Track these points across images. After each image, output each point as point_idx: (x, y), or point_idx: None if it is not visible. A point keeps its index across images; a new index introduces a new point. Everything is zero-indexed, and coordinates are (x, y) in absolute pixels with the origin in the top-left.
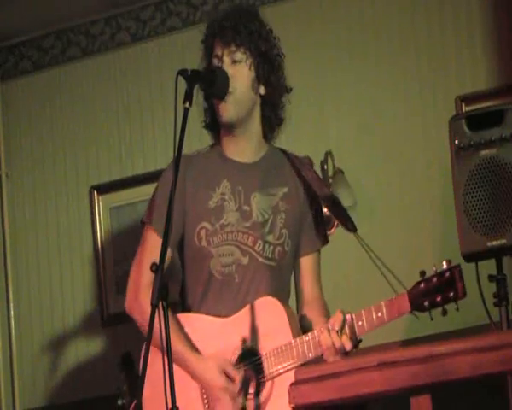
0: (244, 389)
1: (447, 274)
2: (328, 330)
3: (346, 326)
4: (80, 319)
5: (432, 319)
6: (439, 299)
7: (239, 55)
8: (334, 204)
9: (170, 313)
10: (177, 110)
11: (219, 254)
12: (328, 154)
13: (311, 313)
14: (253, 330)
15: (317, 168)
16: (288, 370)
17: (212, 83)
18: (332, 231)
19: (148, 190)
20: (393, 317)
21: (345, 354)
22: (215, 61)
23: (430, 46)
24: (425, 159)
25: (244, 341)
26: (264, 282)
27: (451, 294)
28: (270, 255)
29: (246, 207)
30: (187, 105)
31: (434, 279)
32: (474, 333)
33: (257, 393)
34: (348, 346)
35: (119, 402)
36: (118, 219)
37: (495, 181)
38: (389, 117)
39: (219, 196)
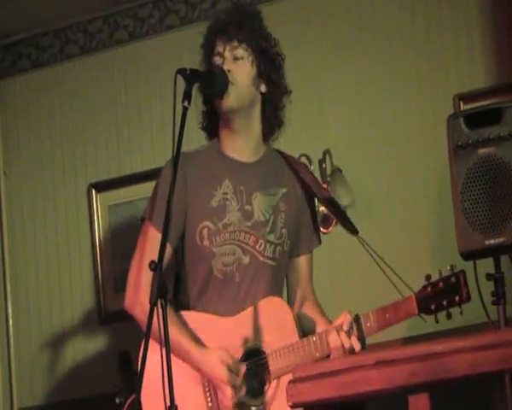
0: (247, 384)
1: (453, 279)
2: (337, 331)
3: (355, 327)
4: (78, 317)
5: (437, 322)
6: (445, 303)
7: (241, 52)
8: (334, 206)
9: (172, 310)
10: (175, 109)
11: (221, 254)
12: (327, 152)
13: (311, 311)
14: (259, 329)
15: (316, 167)
16: (292, 370)
17: (211, 83)
18: (330, 229)
19: (146, 188)
20: (401, 319)
21: (353, 353)
22: (216, 59)
23: (429, 45)
24: (423, 157)
25: (249, 339)
26: (264, 281)
27: (457, 298)
28: (271, 255)
29: (247, 207)
30: (186, 104)
31: (441, 284)
32: (472, 331)
33: (262, 391)
34: (358, 347)
35: (117, 400)
36: (116, 217)
37: (493, 179)
38: (388, 115)
39: (221, 195)
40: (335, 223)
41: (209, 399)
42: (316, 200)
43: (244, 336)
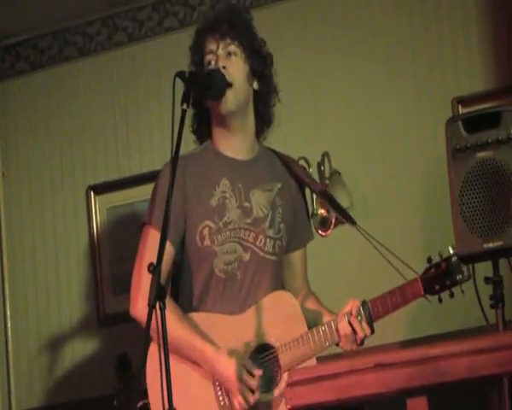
0: (264, 384)
1: (454, 259)
2: (347, 318)
3: (363, 313)
4: (77, 319)
5: (440, 301)
6: (448, 283)
7: (233, 48)
8: (330, 198)
9: (181, 311)
10: (174, 111)
11: (223, 253)
12: (325, 155)
13: (314, 305)
14: (267, 324)
15: (314, 169)
16: (304, 360)
17: (209, 85)
18: (329, 232)
19: (145, 190)
20: (408, 301)
21: (361, 341)
22: (209, 57)
23: (427, 48)
24: (422, 160)
25: (258, 335)
26: (266, 276)
27: (459, 277)
28: (271, 250)
29: (246, 204)
30: (184, 106)
31: (443, 264)
32: (470, 335)
33: (275, 386)
34: (368, 332)
35: (116, 402)
36: (115, 219)
37: (491, 183)
38: (386, 118)
39: (220, 194)
40: (334, 226)
41: (221, 398)
42: (308, 194)
43: (253, 333)
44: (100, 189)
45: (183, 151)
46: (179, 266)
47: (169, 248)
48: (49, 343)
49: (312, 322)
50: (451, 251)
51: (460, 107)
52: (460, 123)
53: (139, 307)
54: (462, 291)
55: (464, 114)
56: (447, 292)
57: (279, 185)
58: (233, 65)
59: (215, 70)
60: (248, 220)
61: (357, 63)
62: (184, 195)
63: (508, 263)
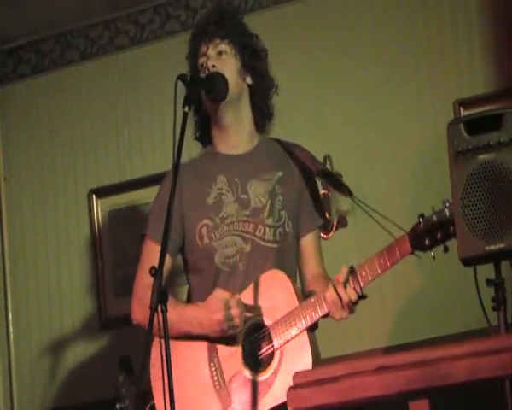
0: (250, 360)
1: (446, 211)
2: (333, 286)
3: (350, 278)
4: (79, 322)
5: (434, 258)
6: (439, 236)
7: (223, 47)
8: (329, 176)
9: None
10: (176, 114)
11: (222, 247)
12: (327, 157)
13: (317, 285)
14: (260, 303)
15: None
16: (296, 335)
17: (210, 88)
18: (330, 235)
19: (147, 193)
20: (395, 260)
21: (351, 308)
22: (201, 60)
23: (429, 50)
24: (423, 163)
25: (249, 316)
26: (268, 265)
27: (451, 228)
28: (271, 238)
29: (243, 196)
30: (186, 109)
31: (434, 217)
32: (472, 337)
33: (267, 365)
34: (353, 297)
35: (118, 406)
36: (116, 222)
37: (493, 185)
38: (387, 121)
39: (217, 191)
40: (335, 229)
41: (215, 378)
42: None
43: (246, 313)
44: (102, 192)
45: (186, 154)
46: (186, 270)
47: (167, 259)
48: (51, 346)
49: None
50: (446, 204)
51: (462, 109)
52: (462, 125)
53: (135, 314)
54: (447, 249)
55: (466, 116)
56: (441, 248)
57: (280, 174)
58: (222, 63)
59: (216, 73)
60: (247, 212)
61: (359, 66)
62: (180, 203)
63: (510, 265)
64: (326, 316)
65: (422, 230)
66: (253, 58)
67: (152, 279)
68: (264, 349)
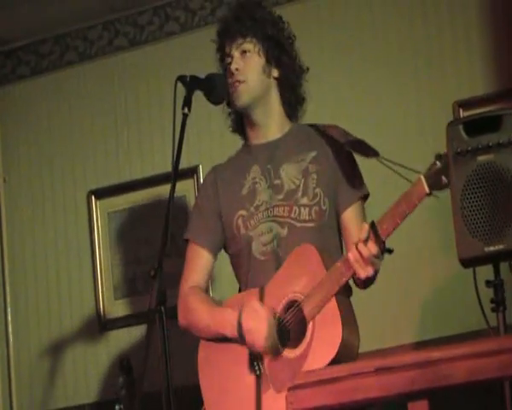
0: (285, 337)
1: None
2: (355, 244)
3: (371, 233)
4: (78, 324)
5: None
6: None
7: (246, 46)
8: (356, 144)
9: (204, 295)
10: (175, 116)
11: (258, 235)
12: None
13: None
14: (290, 281)
15: None
16: (324, 304)
17: (210, 89)
18: None
19: (146, 194)
20: (413, 205)
21: (374, 262)
22: (228, 60)
23: (428, 51)
24: (422, 164)
25: (283, 295)
26: None
27: None
28: (307, 217)
29: (277, 182)
30: (185, 111)
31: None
32: (472, 338)
33: (301, 339)
34: (374, 249)
35: (117, 408)
36: (116, 223)
37: (492, 186)
38: (387, 122)
39: (251, 181)
40: None
41: (254, 363)
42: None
43: (279, 295)
44: (101, 193)
45: (185, 155)
46: (232, 266)
47: (206, 257)
48: (50, 348)
49: None
50: None
51: (461, 110)
52: (461, 126)
53: (180, 319)
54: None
55: (465, 117)
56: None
57: (313, 154)
58: (246, 63)
59: (216, 74)
60: (280, 196)
61: (358, 67)
62: (217, 200)
63: (509, 266)
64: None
65: (439, 168)
66: (277, 51)
67: (195, 280)
68: (299, 324)
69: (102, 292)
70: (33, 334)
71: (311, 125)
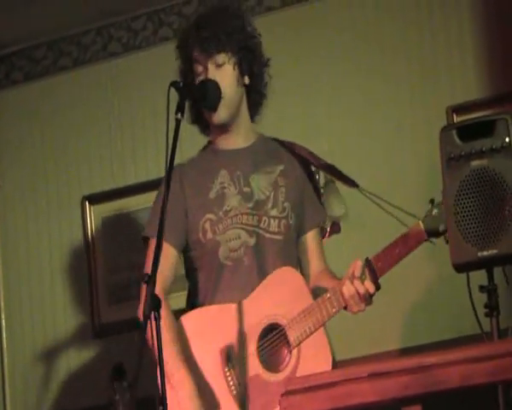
0: (268, 361)
1: None
2: (350, 280)
3: (366, 271)
4: (72, 329)
5: (447, 242)
6: None
7: (222, 59)
8: (332, 169)
9: (170, 320)
10: (169, 121)
11: (226, 240)
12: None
13: (324, 281)
14: (273, 302)
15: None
16: (313, 332)
17: (203, 95)
18: (323, 241)
19: (140, 199)
20: (411, 249)
21: (368, 299)
22: (199, 69)
23: (421, 57)
24: (416, 169)
25: (264, 316)
26: (273, 257)
27: None
28: (276, 229)
29: (246, 189)
30: (179, 116)
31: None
32: (466, 343)
33: (285, 364)
34: (372, 289)
35: None
36: (109, 229)
37: (486, 191)
38: (380, 127)
39: (219, 185)
40: (329, 235)
41: (231, 383)
42: (316, 175)
43: (259, 315)
44: (95, 199)
45: (180, 160)
46: (188, 268)
47: (172, 254)
48: (44, 354)
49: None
50: None
51: (455, 115)
52: (454, 131)
53: (140, 315)
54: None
55: (458, 122)
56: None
57: (281, 167)
58: (223, 77)
59: (209, 80)
60: (250, 205)
61: (352, 72)
62: (183, 199)
63: (502, 271)
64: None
65: (436, 216)
66: (249, 60)
67: (161, 281)
68: (281, 349)
69: (97, 297)
70: (27, 339)
71: (274, 139)
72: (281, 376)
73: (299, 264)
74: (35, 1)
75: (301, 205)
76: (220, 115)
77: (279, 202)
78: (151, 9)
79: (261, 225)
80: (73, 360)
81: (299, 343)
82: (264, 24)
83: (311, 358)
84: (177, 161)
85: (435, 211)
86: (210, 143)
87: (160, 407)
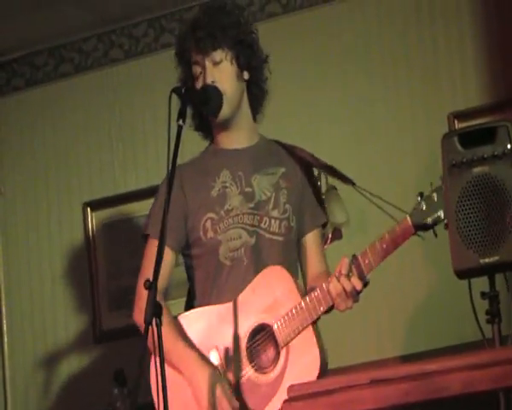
0: (256, 362)
1: (444, 187)
2: (337, 277)
3: (353, 268)
4: (73, 335)
5: (436, 236)
6: (440, 214)
7: (218, 56)
8: (332, 170)
9: (169, 318)
10: (170, 127)
11: (227, 240)
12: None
13: (320, 281)
14: (261, 303)
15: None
16: (301, 331)
17: (205, 101)
18: (325, 246)
19: (141, 206)
20: (398, 244)
21: (356, 297)
22: (197, 69)
23: (422, 64)
24: (418, 175)
25: (253, 316)
26: (273, 258)
27: None
28: (276, 230)
29: (248, 189)
30: (180, 122)
31: (434, 195)
32: (466, 350)
33: (274, 364)
34: (359, 286)
35: None
36: (110, 235)
37: (487, 198)
38: (381, 134)
39: (220, 184)
40: (331, 241)
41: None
42: (318, 181)
43: (248, 315)
44: (96, 205)
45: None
46: (188, 267)
47: (169, 255)
48: (45, 360)
49: None
50: (441, 181)
51: (456, 121)
52: (456, 138)
53: (136, 317)
54: (436, 235)
55: (460, 129)
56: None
57: (283, 170)
58: (221, 74)
59: (210, 86)
60: (251, 205)
61: (353, 79)
62: (183, 200)
63: (504, 278)
64: (331, 309)
65: (423, 209)
66: (247, 54)
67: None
68: (270, 349)
69: (98, 303)
70: (28, 345)
71: (277, 142)
72: (270, 377)
73: (300, 266)
74: (36, 8)
75: (302, 208)
76: (223, 112)
77: (280, 204)
78: (152, 16)
79: (262, 225)
80: (74, 366)
81: (288, 343)
82: (265, 30)
83: (299, 358)
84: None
85: (423, 204)
86: (211, 143)
87: None
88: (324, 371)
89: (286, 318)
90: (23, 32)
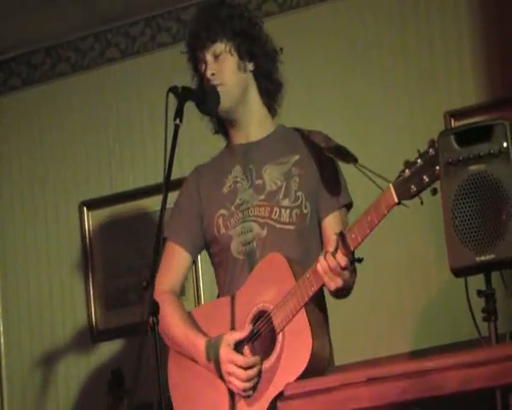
0: (255, 348)
1: (431, 151)
2: (324, 255)
3: (340, 244)
4: (70, 334)
5: (422, 203)
6: (426, 178)
7: (218, 49)
8: (336, 149)
9: (179, 307)
10: (167, 127)
11: (238, 234)
12: None
13: None
14: (261, 290)
15: None
16: (294, 315)
17: (202, 101)
18: None
19: (138, 205)
20: (382, 214)
21: (343, 274)
22: (202, 67)
23: (419, 62)
24: None
25: (254, 304)
26: (285, 248)
27: (437, 168)
28: (287, 220)
29: (258, 182)
30: (177, 122)
31: (419, 161)
32: (463, 348)
33: (271, 350)
34: (343, 262)
35: None
36: (108, 234)
37: (484, 196)
38: (378, 132)
39: (232, 180)
40: None
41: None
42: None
43: (250, 304)
44: (93, 204)
45: (176, 167)
46: (213, 265)
47: (184, 256)
48: (42, 360)
49: None
50: (432, 143)
51: (452, 120)
52: (452, 136)
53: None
54: (435, 191)
55: (456, 127)
56: (429, 191)
57: (296, 157)
58: (221, 66)
59: (208, 85)
60: (262, 196)
61: (350, 77)
62: (198, 200)
63: (500, 276)
64: (337, 293)
65: (408, 176)
66: (248, 44)
67: (170, 281)
68: (268, 335)
69: (94, 303)
70: (25, 345)
71: (297, 130)
72: (267, 363)
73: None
74: (33, 7)
75: (318, 193)
76: (222, 103)
77: (291, 192)
78: (149, 15)
79: (272, 215)
80: (71, 365)
81: (284, 328)
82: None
83: (292, 344)
84: (175, 166)
85: (407, 172)
86: (228, 142)
87: None
88: (325, 360)
89: (282, 302)
90: (20, 32)
